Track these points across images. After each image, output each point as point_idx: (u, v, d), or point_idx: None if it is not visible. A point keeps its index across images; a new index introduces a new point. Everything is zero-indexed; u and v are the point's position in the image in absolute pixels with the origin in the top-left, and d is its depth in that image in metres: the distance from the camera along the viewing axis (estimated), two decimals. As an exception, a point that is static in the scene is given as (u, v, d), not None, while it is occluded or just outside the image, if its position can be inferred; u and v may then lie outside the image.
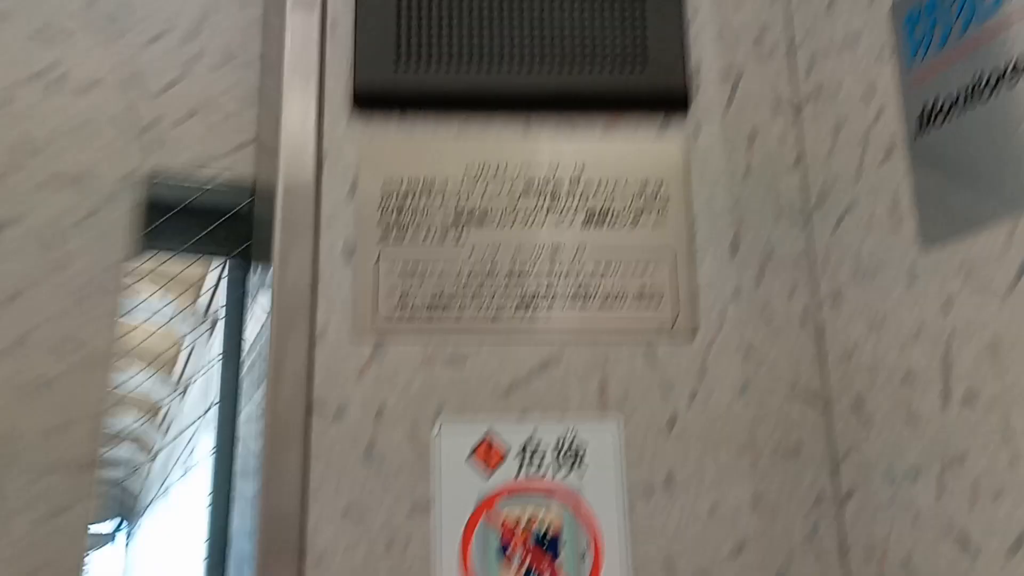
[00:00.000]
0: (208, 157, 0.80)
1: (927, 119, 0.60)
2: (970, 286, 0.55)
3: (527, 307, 0.67)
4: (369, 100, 0.70)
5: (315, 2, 0.71)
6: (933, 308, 0.58)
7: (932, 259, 0.58)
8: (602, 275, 0.68)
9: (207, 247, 0.83)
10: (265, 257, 0.70)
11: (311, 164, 0.69)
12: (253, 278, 0.83)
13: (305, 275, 0.67)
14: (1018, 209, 0.52)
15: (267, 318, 0.67)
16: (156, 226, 0.79)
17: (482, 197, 0.69)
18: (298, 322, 0.66)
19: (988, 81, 0.55)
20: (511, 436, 0.65)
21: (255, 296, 0.83)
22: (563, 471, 0.65)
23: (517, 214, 0.69)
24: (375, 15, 0.71)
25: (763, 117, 0.73)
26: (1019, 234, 0.52)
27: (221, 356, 0.88)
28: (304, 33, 0.71)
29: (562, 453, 0.65)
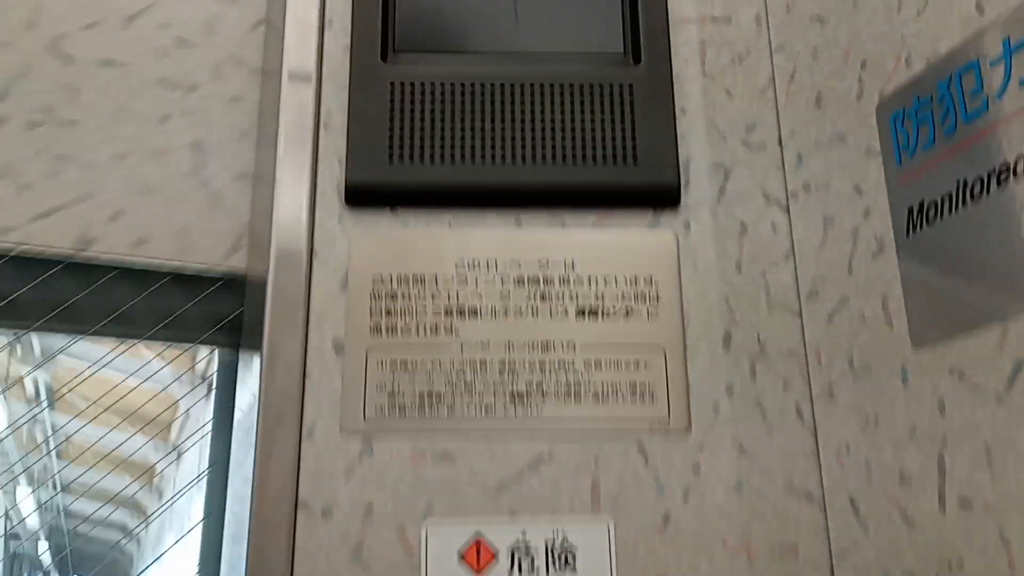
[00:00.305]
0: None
1: (915, 218, 0.60)
2: (963, 389, 0.55)
3: (518, 403, 0.67)
4: (361, 196, 0.71)
5: (309, 102, 0.72)
6: (926, 409, 0.57)
7: (924, 359, 0.58)
8: (593, 371, 0.68)
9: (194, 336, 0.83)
10: (255, 348, 0.70)
11: (303, 260, 0.69)
12: (242, 363, 0.83)
13: (294, 371, 0.66)
14: (1009, 312, 0.52)
15: (256, 404, 0.67)
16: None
17: (473, 293, 0.69)
18: (286, 419, 0.65)
19: (976, 182, 0.55)
20: (501, 537, 0.64)
21: (244, 379, 0.82)
22: (554, 574, 0.63)
23: (508, 309, 0.69)
24: (368, 111, 0.72)
25: (753, 212, 0.73)
26: (1011, 338, 0.52)
27: (212, 422, 0.88)
28: (299, 130, 0.72)
29: (553, 555, 0.64)
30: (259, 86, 0.85)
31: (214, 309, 0.82)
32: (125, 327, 0.81)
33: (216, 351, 0.86)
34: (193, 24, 0.86)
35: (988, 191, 0.54)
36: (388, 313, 0.68)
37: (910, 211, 0.60)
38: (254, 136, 0.83)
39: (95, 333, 0.80)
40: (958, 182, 0.56)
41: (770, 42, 0.78)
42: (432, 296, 0.69)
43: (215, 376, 0.87)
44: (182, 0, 0.86)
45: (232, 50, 0.87)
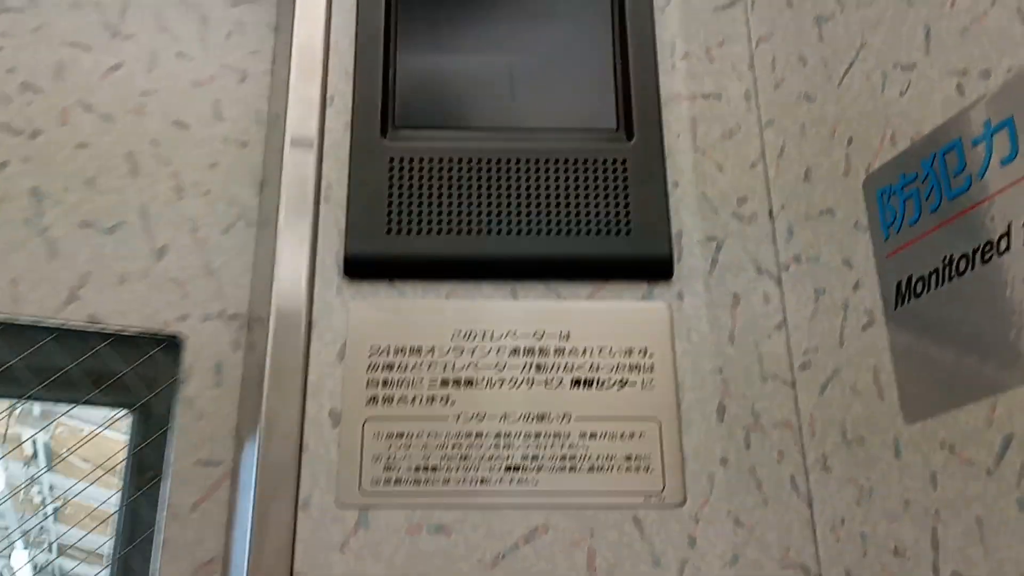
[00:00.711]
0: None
1: (904, 292, 0.61)
2: (954, 463, 0.55)
3: (513, 475, 0.67)
4: (360, 267, 0.72)
5: (310, 176, 0.74)
6: (919, 482, 0.58)
7: (916, 432, 0.58)
8: (588, 442, 0.68)
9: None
10: (252, 420, 0.70)
11: (302, 331, 0.70)
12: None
13: (291, 442, 0.67)
14: (997, 387, 0.53)
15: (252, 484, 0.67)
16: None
17: (469, 363, 0.70)
18: (282, 490, 0.66)
19: (962, 258, 0.56)
20: (496, 611, 0.64)
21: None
22: (550, 649, 0.63)
23: (504, 380, 0.70)
24: (368, 185, 0.74)
25: (745, 283, 0.74)
26: (1000, 413, 0.52)
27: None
28: (299, 203, 0.73)
29: (549, 629, 0.63)
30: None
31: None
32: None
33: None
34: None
35: (973, 267, 0.55)
36: (385, 384, 0.69)
37: (898, 285, 0.62)
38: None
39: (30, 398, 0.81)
40: (944, 257, 0.58)
41: (760, 118, 0.80)
42: (429, 366, 0.70)
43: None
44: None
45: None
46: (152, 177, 0.84)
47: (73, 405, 0.82)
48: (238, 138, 0.87)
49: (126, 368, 0.80)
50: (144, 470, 0.79)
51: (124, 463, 0.81)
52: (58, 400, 0.84)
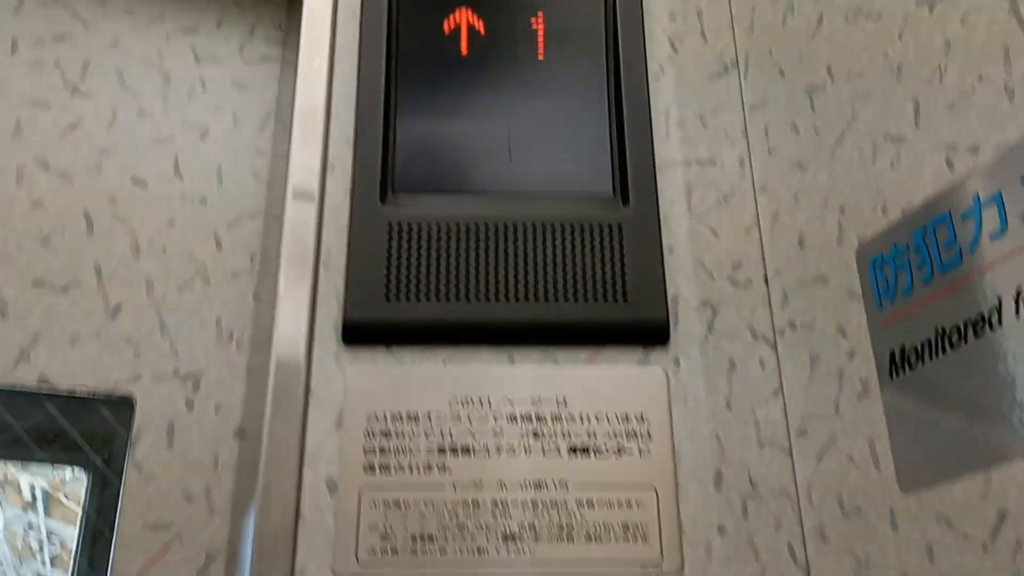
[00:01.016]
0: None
1: (898, 362, 0.61)
2: (951, 536, 0.55)
3: (510, 544, 0.67)
4: (358, 334, 0.72)
5: (309, 243, 0.75)
6: (916, 555, 0.57)
7: (912, 504, 0.58)
8: (586, 510, 0.68)
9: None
10: (247, 492, 0.70)
11: (300, 399, 0.70)
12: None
13: (288, 512, 0.67)
14: (992, 460, 0.53)
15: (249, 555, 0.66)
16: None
17: (466, 430, 0.70)
18: (278, 561, 0.65)
19: (954, 331, 0.57)
20: None
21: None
22: None
23: (500, 447, 0.70)
24: (367, 251, 0.74)
25: (741, 349, 0.75)
26: (995, 486, 0.52)
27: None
28: (299, 270, 0.74)
29: None
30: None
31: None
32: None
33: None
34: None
35: (966, 340, 0.56)
36: (382, 451, 0.69)
37: (892, 355, 0.62)
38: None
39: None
40: (937, 329, 0.58)
41: (754, 184, 0.81)
42: (426, 434, 0.70)
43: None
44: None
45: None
46: (108, 235, 0.84)
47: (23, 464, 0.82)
48: (197, 195, 0.88)
49: (78, 429, 0.79)
50: (97, 532, 0.78)
51: (78, 526, 0.81)
52: (9, 459, 0.83)
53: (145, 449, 0.78)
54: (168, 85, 0.91)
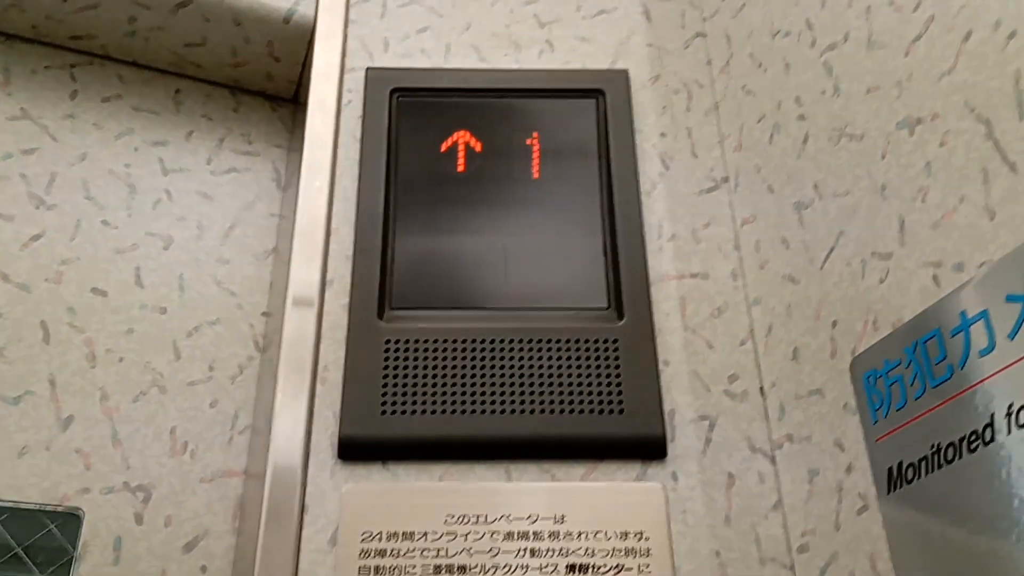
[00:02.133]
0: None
1: (895, 477, 0.61)
2: (958, 660, 0.54)
3: (508, 668, 0.65)
4: (354, 450, 0.72)
5: (307, 359, 0.75)
6: None
7: (917, 625, 0.57)
8: (585, 632, 0.66)
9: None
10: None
11: (295, 518, 0.69)
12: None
13: (280, 635, 0.65)
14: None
15: None
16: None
17: (462, 549, 0.69)
18: None
19: (949, 447, 0.57)
20: None
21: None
22: None
23: (497, 567, 0.69)
24: (364, 367, 0.75)
25: (739, 462, 0.74)
26: (998, 607, 0.51)
27: None
28: (296, 387, 0.74)
29: None
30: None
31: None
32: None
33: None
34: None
35: (961, 455, 0.56)
36: (377, 571, 0.68)
37: (889, 470, 0.62)
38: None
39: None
40: (932, 445, 0.58)
41: (747, 296, 0.82)
42: (422, 552, 0.69)
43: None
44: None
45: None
46: (64, 345, 0.84)
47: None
48: (157, 304, 0.88)
49: (22, 543, 0.77)
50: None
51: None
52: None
53: (91, 565, 0.77)
54: (134, 196, 0.93)
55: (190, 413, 0.85)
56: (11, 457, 0.78)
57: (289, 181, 0.97)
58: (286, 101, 1.04)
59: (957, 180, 0.58)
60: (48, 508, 0.78)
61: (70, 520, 0.78)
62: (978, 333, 0.55)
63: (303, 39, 0.94)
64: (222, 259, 0.93)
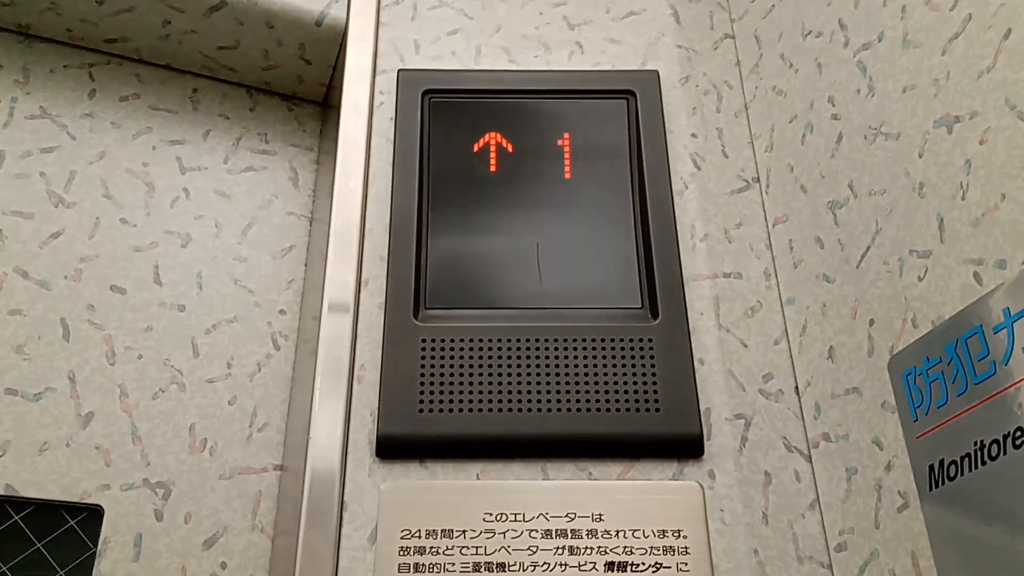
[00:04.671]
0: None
1: (937, 474, 0.61)
2: (1004, 656, 0.54)
3: (548, 665, 0.65)
4: (392, 448, 0.73)
5: (344, 358, 0.76)
6: (969, 677, 0.56)
7: (961, 622, 0.57)
8: (624, 629, 0.67)
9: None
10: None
11: (334, 515, 0.70)
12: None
13: (321, 632, 0.66)
14: (1040, 576, 0.52)
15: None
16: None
17: (501, 547, 0.69)
18: None
19: (992, 444, 0.57)
20: None
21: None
22: None
23: (536, 564, 0.69)
24: (400, 366, 0.75)
25: (776, 461, 0.74)
26: (1046, 603, 0.51)
27: None
28: (334, 386, 0.75)
29: None
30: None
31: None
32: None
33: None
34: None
35: (1006, 451, 0.56)
36: (416, 568, 0.68)
37: (931, 468, 0.62)
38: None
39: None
40: (975, 442, 0.58)
41: (780, 296, 0.82)
42: (460, 550, 0.69)
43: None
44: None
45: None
46: (84, 342, 0.85)
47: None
48: (175, 302, 0.89)
49: (43, 539, 0.78)
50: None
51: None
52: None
53: (111, 562, 0.77)
54: (152, 194, 0.94)
55: (208, 410, 0.86)
56: (32, 453, 0.79)
57: (319, 182, 0.98)
58: (304, 101, 1.04)
59: (998, 177, 0.58)
60: (69, 505, 0.79)
61: (91, 517, 0.79)
62: (1021, 330, 0.55)
63: (335, 42, 0.95)
64: (239, 257, 0.94)
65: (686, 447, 0.74)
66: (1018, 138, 0.56)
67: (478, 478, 0.73)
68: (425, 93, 0.90)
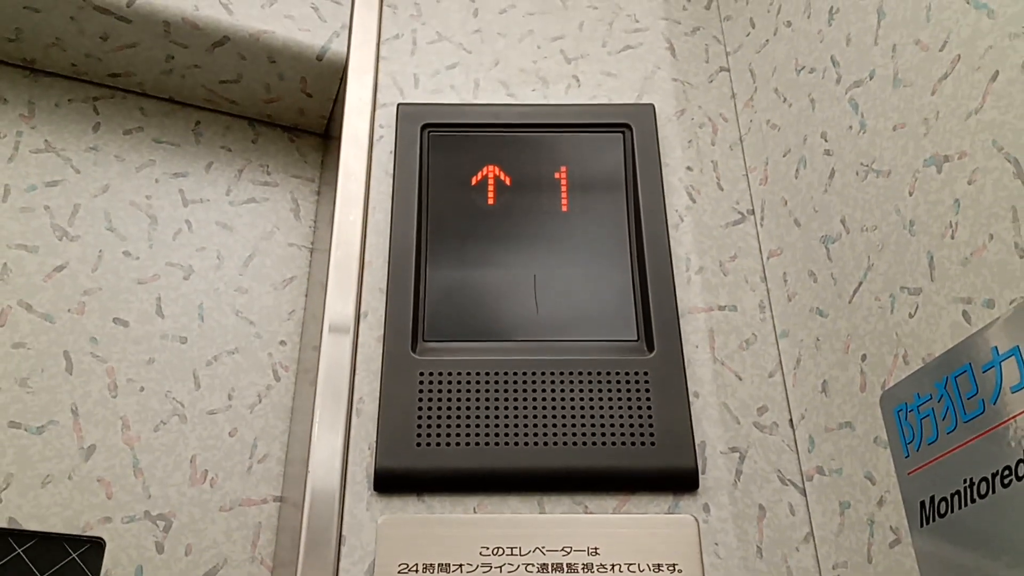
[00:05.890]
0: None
1: (928, 511, 0.62)
2: None
3: None
4: (390, 482, 0.73)
5: (343, 391, 0.77)
6: None
7: (953, 659, 0.58)
8: (619, 663, 0.67)
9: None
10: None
11: (332, 549, 0.70)
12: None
13: (318, 666, 0.66)
14: (1030, 615, 0.53)
15: None
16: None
17: (497, 581, 0.70)
18: None
19: (982, 482, 0.57)
20: None
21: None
22: None
23: (532, 598, 0.69)
24: (398, 399, 0.76)
25: (770, 494, 0.75)
26: (1035, 642, 0.52)
27: None
28: (332, 419, 0.76)
29: None
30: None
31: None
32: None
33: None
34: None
35: (994, 490, 0.56)
36: (413, 603, 0.69)
37: (922, 504, 0.62)
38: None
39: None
40: (965, 480, 0.59)
41: (775, 328, 0.83)
42: (457, 584, 0.70)
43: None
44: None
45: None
46: (87, 375, 0.85)
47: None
48: (177, 334, 0.90)
49: (45, 572, 0.78)
50: None
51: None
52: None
53: None
54: (155, 227, 0.95)
55: (209, 442, 0.87)
56: (35, 486, 0.80)
57: (319, 214, 0.99)
58: (305, 132, 1.06)
59: (986, 218, 0.59)
60: (71, 537, 0.79)
61: (93, 549, 0.79)
62: (1010, 369, 0.56)
63: (335, 75, 0.97)
64: (241, 288, 0.95)
65: (681, 481, 0.74)
66: (1005, 179, 0.57)
67: (475, 512, 0.73)
68: (424, 127, 0.91)
